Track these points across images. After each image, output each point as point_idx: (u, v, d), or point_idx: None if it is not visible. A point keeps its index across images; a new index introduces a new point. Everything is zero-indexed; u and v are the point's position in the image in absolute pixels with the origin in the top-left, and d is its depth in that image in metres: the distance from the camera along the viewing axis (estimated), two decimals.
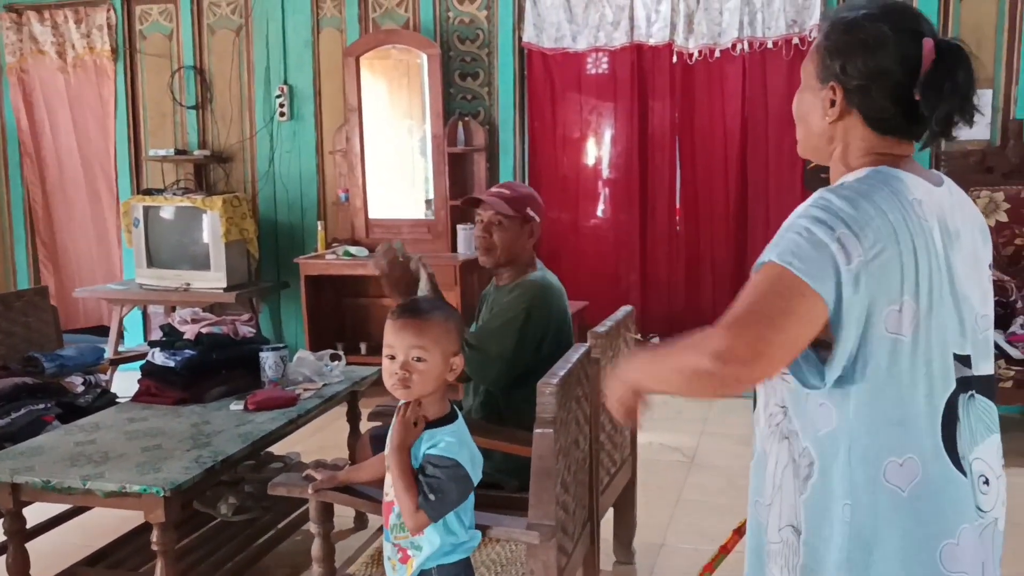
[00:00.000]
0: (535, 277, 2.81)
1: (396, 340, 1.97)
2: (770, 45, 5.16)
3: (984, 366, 1.52)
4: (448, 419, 2.01)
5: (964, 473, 1.46)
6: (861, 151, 1.50)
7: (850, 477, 1.44)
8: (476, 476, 1.98)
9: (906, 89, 1.43)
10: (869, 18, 1.46)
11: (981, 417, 1.51)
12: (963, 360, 1.47)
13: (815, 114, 1.54)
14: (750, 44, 5.18)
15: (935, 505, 1.44)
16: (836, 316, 1.35)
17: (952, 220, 1.47)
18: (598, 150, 5.73)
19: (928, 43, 1.43)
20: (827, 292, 1.34)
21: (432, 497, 1.91)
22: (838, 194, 1.41)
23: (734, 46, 5.20)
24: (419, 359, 1.95)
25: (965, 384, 1.47)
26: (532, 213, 2.85)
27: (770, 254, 1.38)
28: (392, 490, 1.99)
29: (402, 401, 2.00)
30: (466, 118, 5.67)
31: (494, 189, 2.95)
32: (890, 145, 1.49)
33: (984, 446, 1.52)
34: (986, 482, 1.52)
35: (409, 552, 2.00)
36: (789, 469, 1.53)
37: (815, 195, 1.44)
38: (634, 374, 1.54)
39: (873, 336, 1.39)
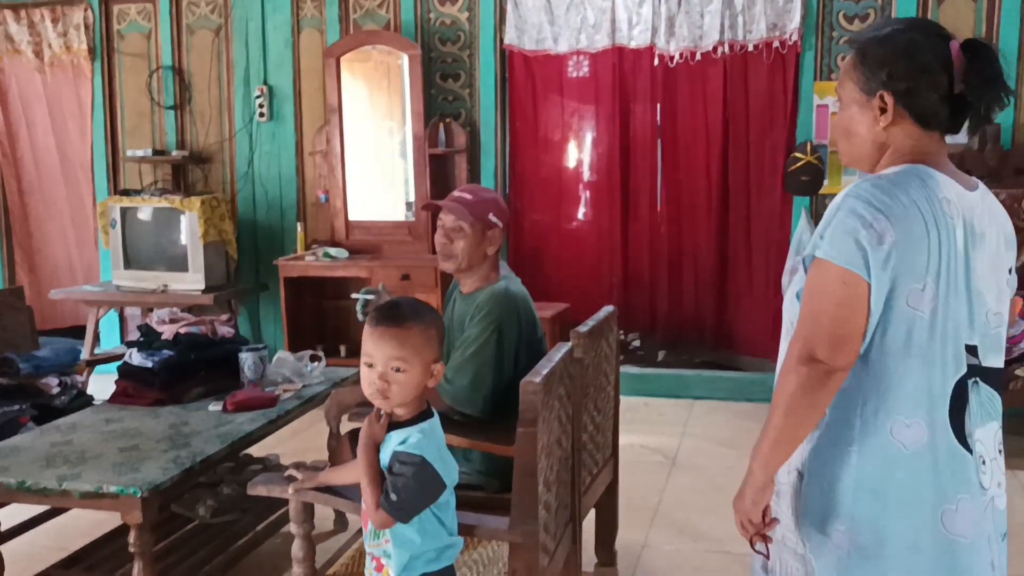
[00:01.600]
0: (499, 288, 2.74)
1: (375, 350, 1.91)
2: (751, 48, 5.17)
3: (993, 359, 1.68)
4: (423, 416, 1.97)
5: (969, 450, 1.62)
6: (907, 149, 1.67)
7: (859, 427, 1.62)
8: (449, 474, 1.94)
9: (945, 85, 1.63)
10: (899, 32, 1.68)
11: (984, 404, 1.67)
12: (971, 350, 1.63)
13: (864, 125, 1.71)
14: (731, 47, 5.19)
15: (935, 470, 1.60)
16: (873, 292, 1.56)
17: (980, 223, 1.64)
18: (579, 152, 5.73)
19: (955, 44, 1.64)
20: (864, 272, 1.55)
21: (394, 497, 1.87)
22: (876, 184, 1.61)
23: (715, 49, 5.20)
24: (398, 369, 1.90)
25: (971, 371, 1.63)
26: (494, 219, 2.78)
27: (818, 249, 1.60)
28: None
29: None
30: (447, 119, 5.66)
31: (456, 193, 2.87)
32: (934, 142, 1.68)
33: (984, 429, 1.67)
34: (984, 463, 1.67)
35: (382, 560, 1.98)
36: None
37: (854, 184, 1.63)
38: (757, 463, 1.75)
39: (895, 309, 1.58)
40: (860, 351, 1.59)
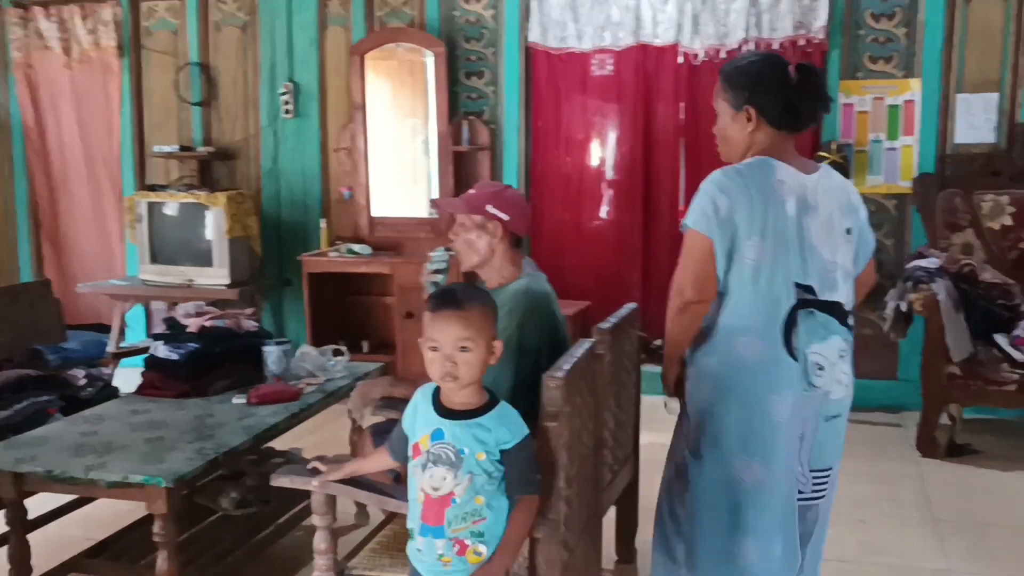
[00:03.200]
0: (520, 286, 2.70)
1: (439, 333, 2.01)
2: (776, 46, 5.15)
3: (829, 294, 2.37)
4: (493, 399, 2.07)
5: (795, 359, 2.32)
6: (763, 146, 2.40)
7: (716, 344, 2.39)
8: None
9: (788, 98, 2.36)
10: (754, 62, 2.45)
11: (819, 326, 2.35)
12: (806, 288, 2.33)
13: (735, 130, 2.44)
14: (756, 45, 5.17)
15: (766, 373, 2.34)
16: (715, 247, 2.32)
17: (812, 197, 2.35)
18: (602, 150, 5.71)
19: (791, 68, 2.39)
20: (708, 233, 2.32)
21: (538, 477, 2.08)
22: (724, 172, 2.38)
23: (740, 47, 5.18)
24: (464, 349, 2.00)
25: (806, 303, 2.34)
26: (494, 211, 2.69)
27: (686, 220, 2.38)
28: (444, 484, 2.00)
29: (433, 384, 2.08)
30: (470, 117, 5.67)
31: (470, 191, 2.85)
32: (783, 139, 2.40)
33: (821, 344, 2.35)
34: (820, 368, 2.36)
35: (468, 542, 2.01)
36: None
37: (712, 173, 2.39)
38: (665, 364, 2.56)
39: (736, 259, 2.33)
40: (717, 289, 2.35)
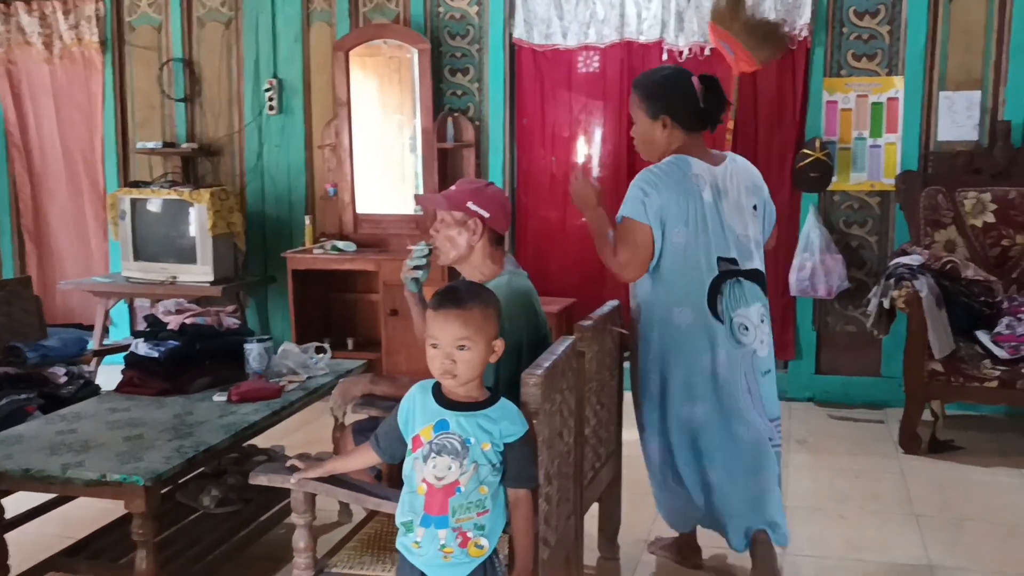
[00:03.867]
0: (500, 283, 2.69)
1: (440, 331, 2.04)
2: None
3: (748, 263, 2.89)
4: (494, 395, 2.11)
5: (722, 322, 2.84)
6: (678, 146, 2.92)
7: (656, 317, 2.90)
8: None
9: (695, 106, 2.89)
10: (666, 77, 2.99)
11: (743, 293, 2.87)
12: (730, 260, 2.85)
13: (654, 134, 2.96)
14: None
15: (699, 335, 2.85)
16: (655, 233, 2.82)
17: (723, 184, 2.87)
18: (587, 147, 5.70)
19: (695, 79, 2.92)
20: (646, 221, 2.83)
21: (535, 471, 2.15)
22: (651, 170, 2.90)
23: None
24: (463, 347, 2.03)
25: (731, 274, 2.85)
26: (475, 207, 2.68)
27: (622, 211, 2.90)
28: (449, 473, 2.00)
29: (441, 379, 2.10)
30: (455, 114, 5.66)
31: (452, 187, 2.85)
32: (694, 139, 2.93)
33: (745, 309, 2.87)
34: (745, 328, 2.87)
35: (470, 534, 2.02)
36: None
37: (642, 171, 2.91)
38: (593, 214, 3.05)
39: (668, 243, 2.84)
40: (649, 267, 2.87)
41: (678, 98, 2.89)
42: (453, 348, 2.02)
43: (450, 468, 2.01)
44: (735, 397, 2.88)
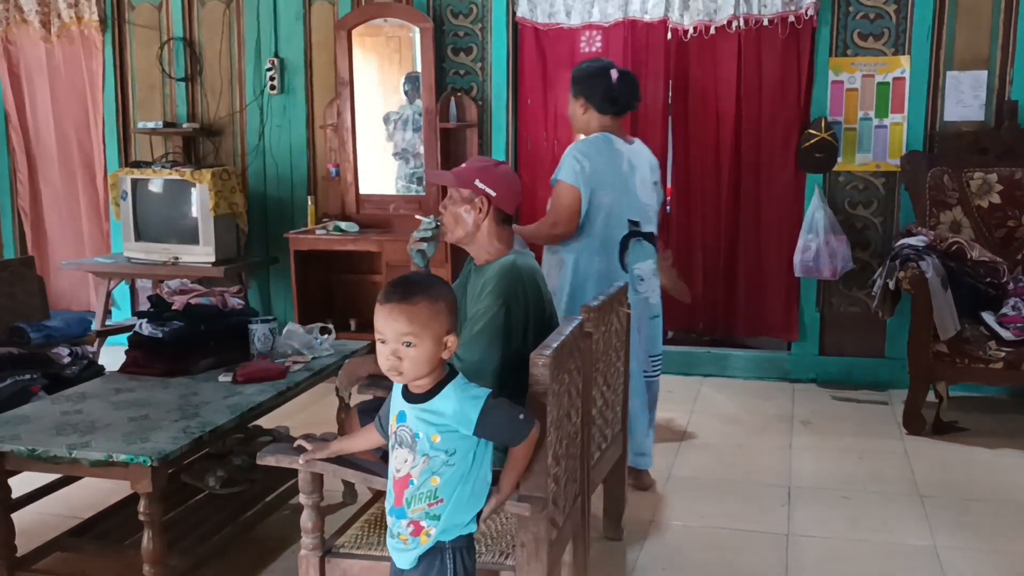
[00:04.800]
0: (506, 263, 2.69)
1: (385, 326, 1.95)
2: (766, 23, 5.12)
3: (648, 227, 3.60)
4: (448, 379, 2.01)
5: (626, 271, 3.51)
6: (597, 126, 3.59)
7: (575, 261, 3.51)
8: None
9: (609, 93, 3.54)
10: (586, 69, 3.65)
11: (643, 250, 3.59)
12: (635, 223, 3.54)
13: (575, 113, 3.63)
14: (746, 21, 5.14)
15: (609, 281, 3.39)
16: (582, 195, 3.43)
17: (634, 160, 3.58)
18: None
19: (613, 72, 3.58)
20: (577, 184, 3.45)
21: (522, 416, 2.05)
22: (583, 142, 3.54)
23: (729, 23, 5.15)
24: (409, 344, 1.93)
25: (636, 234, 3.55)
26: (482, 186, 2.68)
27: (558, 176, 3.51)
28: (404, 466, 1.99)
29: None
30: (458, 93, 5.62)
31: (462, 164, 2.85)
32: (608, 121, 3.59)
33: (643, 264, 3.59)
34: (642, 279, 3.58)
35: (423, 524, 2.00)
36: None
37: (574, 143, 3.57)
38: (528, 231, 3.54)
39: (594, 205, 3.46)
40: (578, 224, 3.47)
41: (595, 86, 3.55)
42: (399, 344, 1.93)
43: (405, 461, 2.00)
44: (629, 333, 3.29)
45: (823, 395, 5.16)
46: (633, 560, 3.22)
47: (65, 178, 6.51)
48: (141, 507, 2.53)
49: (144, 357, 3.24)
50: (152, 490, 2.48)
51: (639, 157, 3.61)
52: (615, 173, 3.50)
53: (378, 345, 1.97)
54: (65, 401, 2.97)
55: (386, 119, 5.93)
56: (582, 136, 3.66)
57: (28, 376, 3.39)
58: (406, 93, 5.84)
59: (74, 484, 3.32)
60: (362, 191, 5.78)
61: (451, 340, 1.98)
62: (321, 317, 5.24)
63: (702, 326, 5.65)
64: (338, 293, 5.90)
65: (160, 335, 3.22)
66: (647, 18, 5.34)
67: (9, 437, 2.62)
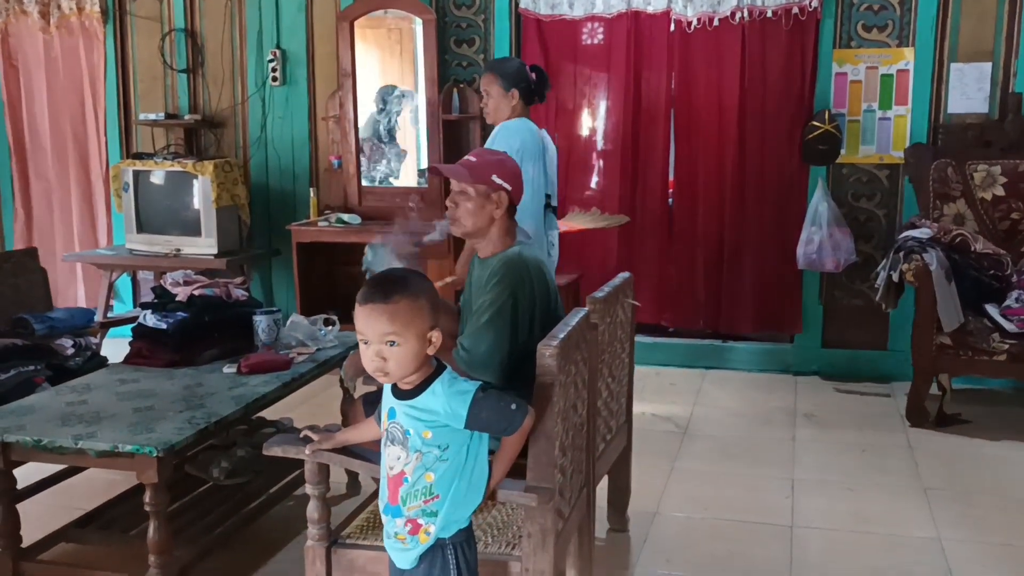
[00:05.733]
0: (512, 254, 2.68)
1: (366, 327, 1.93)
2: (770, 14, 5.10)
3: (554, 201, 4.18)
4: (436, 374, 1.99)
5: (547, 236, 4.08)
6: (519, 112, 4.03)
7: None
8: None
9: (529, 86, 4.05)
10: (517, 63, 4.23)
11: (552, 221, 4.18)
12: (548, 196, 4.08)
13: (506, 105, 4.03)
14: (749, 13, 5.12)
15: (540, 245, 3.83)
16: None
17: (544, 142, 4.11)
18: (593, 120, 5.67)
19: (528, 68, 4.13)
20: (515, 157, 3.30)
21: (514, 406, 2.02)
22: (513, 123, 4.00)
23: (733, 15, 5.13)
24: (393, 343, 1.91)
25: (548, 206, 4.08)
26: (499, 181, 2.68)
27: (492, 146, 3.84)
28: (397, 463, 1.99)
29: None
30: (461, 85, 5.61)
31: (466, 157, 2.81)
32: (527, 110, 4.07)
33: (553, 232, 4.18)
34: (552, 244, 4.19)
35: (421, 521, 1.99)
36: None
37: (504, 123, 4.03)
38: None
39: (526, 175, 3.27)
40: None
41: (522, 79, 4.05)
42: (382, 344, 1.91)
43: (399, 458, 1.99)
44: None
45: (826, 387, 5.16)
46: (637, 551, 3.23)
47: (60, 171, 6.47)
48: (147, 497, 2.53)
49: (149, 348, 3.24)
50: (158, 481, 2.49)
51: (548, 139, 4.20)
52: (536, 150, 3.98)
53: (361, 346, 1.96)
54: (70, 392, 2.97)
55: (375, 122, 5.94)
56: (499, 121, 4.07)
57: (32, 367, 3.39)
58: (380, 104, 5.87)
59: (75, 476, 3.32)
60: (364, 183, 5.77)
61: (435, 335, 1.96)
62: (323, 309, 5.21)
63: (703, 322, 5.63)
64: (341, 285, 5.87)
65: (165, 326, 3.21)
66: (650, 9, 5.33)
67: (14, 427, 2.62)
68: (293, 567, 2.93)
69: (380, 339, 1.91)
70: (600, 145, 5.69)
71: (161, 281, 3.49)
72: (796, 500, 3.65)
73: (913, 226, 4.65)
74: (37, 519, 3.04)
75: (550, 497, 2.19)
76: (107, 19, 6.11)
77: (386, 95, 5.93)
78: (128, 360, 3.29)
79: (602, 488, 3.15)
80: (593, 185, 5.73)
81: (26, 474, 2.95)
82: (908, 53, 5.05)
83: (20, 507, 2.83)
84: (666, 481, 3.83)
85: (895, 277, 4.40)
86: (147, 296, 3.48)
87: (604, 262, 5.56)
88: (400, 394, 2.00)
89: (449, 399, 1.96)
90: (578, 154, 5.70)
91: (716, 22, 5.19)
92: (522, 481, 2.20)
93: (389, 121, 5.95)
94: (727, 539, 3.33)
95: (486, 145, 4.04)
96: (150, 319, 3.26)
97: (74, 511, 3.22)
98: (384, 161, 5.99)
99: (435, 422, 1.96)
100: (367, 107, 5.80)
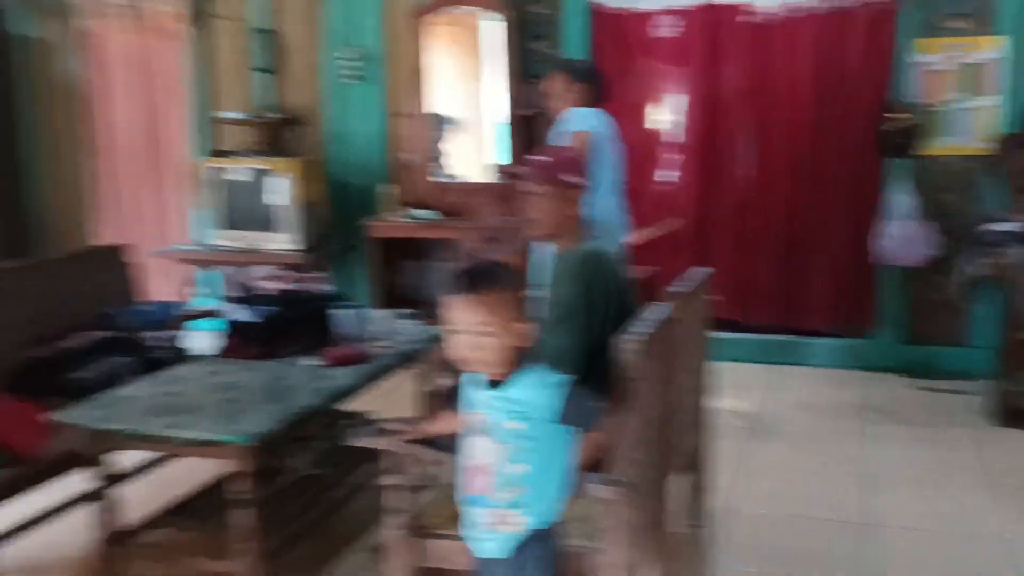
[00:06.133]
0: (585, 249, 2.70)
1: (458, 318, 1.98)
2: (847, 5, 5.02)
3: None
4: (526, 364, 2.03)
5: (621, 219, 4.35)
6: (585, 104, 4.31)
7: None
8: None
9: (595, 83, 4.38)
10: (578, 63, 4.73)
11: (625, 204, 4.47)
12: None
13: (569, 98, 4.28)
14: (827, 3, 5.05)
15: (616, 227, 4.21)
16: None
17: (614, 131, 4.36)
18: (667, 113, 5.64)
19: (594, 71, 4.54)
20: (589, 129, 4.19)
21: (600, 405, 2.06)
22: (585, 110, 4.28)
23: (809, 6, 5.06)
24: (484, 334, 1.96)
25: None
26: (572, 179, 2.70)
27: (574, 129, 4.21)
28: (484, 454, 2.02)
29: None
30: (534, 80, 5.63)
31: (536, 157, 2.82)
32: (590, 103, 4.33)
33: (626, 215, 4.43)
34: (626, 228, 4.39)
35: (509, 512, 2.02)
36: None
37: (571, 110, 4.30)
38: None
39: (604, 160, 4.20)
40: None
41: (588, 76, 4.36)
42: (474, 335, 1.96)
43: (485, 449, 2.02)
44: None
45: (903, 384, 5.07)
46: (714, 547, 3.23)
47: (143, 168, 6.66)
48: (239, 486, 2.61)
49: (240, 341, 3.33)
50: (250, 469, 2.56)
51: (615, 128, 4.39)
52: (609, 134, 4.26)
53: (451, 337, 2.00)
54: (161, 382, 3.06)
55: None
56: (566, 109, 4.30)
57: (122, 359, 3.50)
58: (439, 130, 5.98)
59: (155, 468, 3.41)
60: (440, 179, 5.84)
61: (523, 327, 2.00)
62: (397, 304, 5.32)
63: (776, 317, 5.56)
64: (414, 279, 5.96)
65: (256, 320, 3.30)
66: (725, 1, 5.28)
67: (109, 417, 2.71)
68: (372, 557, 2.99)
69: (472, 330, 1.96)
70: (675, 138, 5.66)
71: (248, 278, 3.58)
72: (870, 497, 3.61)
73: (993, 219, 4.54)
74: (126, 506, 3.14)
75: (630, 491, 2.21)
76: (190, 20, 6.27)
77: (461, 91, 5.98)
78: (223, 354, 3.37)
79: (677, 483, 3.15)
80: (668, 179, 5.70)
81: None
82: (993, 42, 4.92)
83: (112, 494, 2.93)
84: (740, 477, 3.81)
85: (977, 272, 4.31)
86: (232, 291, 3.57)
87: (678, 256, 5.53)
88: (489, 385, 2.03)
89: (542, 390, 2.00)
90: (652, 148, 5.68)
91: (792, 13, 5.12)
92: (598, 474, 2.22)
93: (464, 117, 6.00)
94: (798, 535, 3.31)
95: (558, 129, 4.20)
96: (241, 313, 3.34)
97: (157, 500, 3.29)
98: (458, 157, 6.04)
99: (524, 414, 1.99)
100: (443, 103, 5.85)
